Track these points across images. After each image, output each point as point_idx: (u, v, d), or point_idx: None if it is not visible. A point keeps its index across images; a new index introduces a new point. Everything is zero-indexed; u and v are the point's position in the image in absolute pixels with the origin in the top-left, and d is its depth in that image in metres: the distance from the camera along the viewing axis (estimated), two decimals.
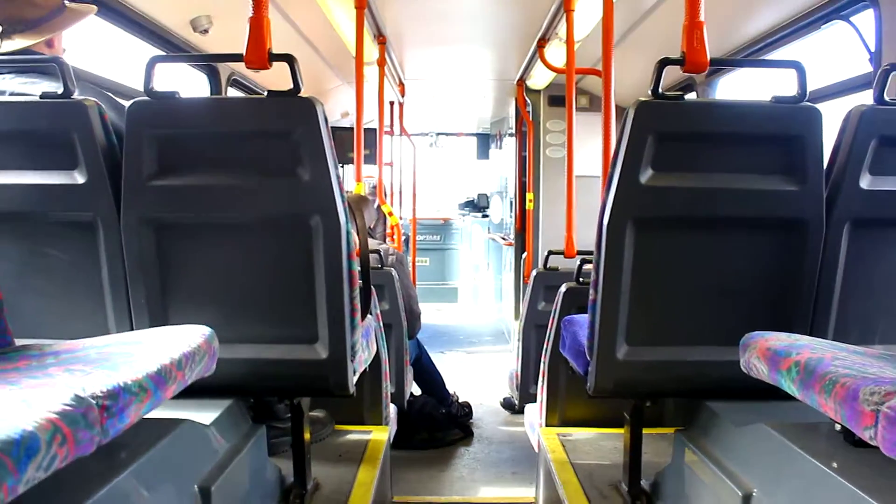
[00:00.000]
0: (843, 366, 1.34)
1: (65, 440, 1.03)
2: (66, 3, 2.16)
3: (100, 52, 3.44)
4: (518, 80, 6.34)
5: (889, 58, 2.62)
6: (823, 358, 1.40)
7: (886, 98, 1.96)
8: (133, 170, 1.94)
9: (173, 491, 1.63)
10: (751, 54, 3.76)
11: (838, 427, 1.49)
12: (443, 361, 6.33)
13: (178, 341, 1.53)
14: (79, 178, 1.94)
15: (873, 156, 1.97)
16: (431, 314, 9.42)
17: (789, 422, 1.71)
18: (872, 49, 2.74)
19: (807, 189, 1.98)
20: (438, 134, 10.62)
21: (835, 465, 1.42)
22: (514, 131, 7.44)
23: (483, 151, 10.29)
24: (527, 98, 6.54)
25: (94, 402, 1.13)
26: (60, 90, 1.90)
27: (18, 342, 1.63)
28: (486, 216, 9.87)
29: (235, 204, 1.98)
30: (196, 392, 1.69)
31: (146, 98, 1.93)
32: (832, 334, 2.08)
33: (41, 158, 1.95)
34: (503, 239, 8.01)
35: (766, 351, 1.58)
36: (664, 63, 1.95)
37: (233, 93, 4.66)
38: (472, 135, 10.44)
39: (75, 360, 1.37)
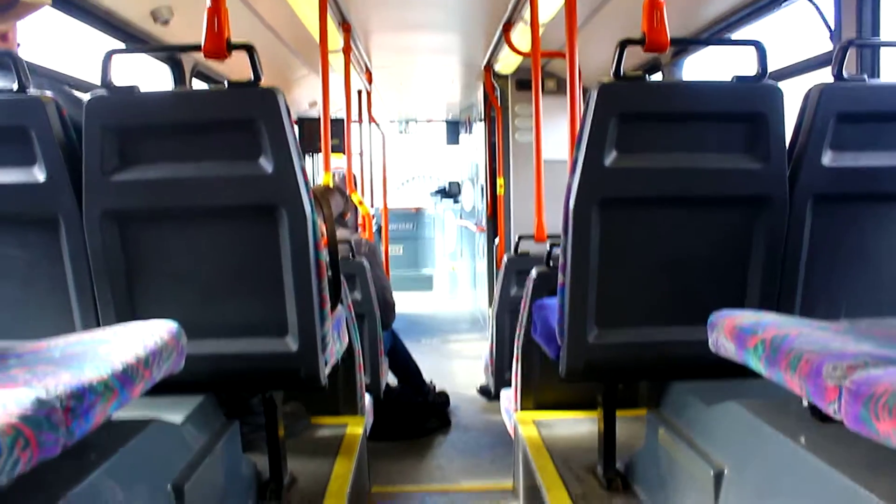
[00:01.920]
0: (807, 342, 1.36)
1: (27, 443, 1.01)
2: None
3: (58, 45, 3.37)
4: (485, 66, 6.33)
5: (848, 34, 2.64)
6: (788, 334, 1.41)
7: (845, 75, 1.98)
8: (93, 165, 1.91)
9: (145, 491, 1.61)
10: (715, 34, 3.78)
11: (805, 403, 1.51)
12: (419, 350, 6.32)
13: (145, 338, 1.51)
14: (38, 174, 1.90)
15: (834, 132, 1.99)
16: (407, 303, 9.42)
17: (759, 399, 1.73)
18: (833, 27, 2.77)
19: (770, 166, 2.00)
20: (408, 121, 10.58)
21: (802, 440, 1.44)
22: (483, 117, 7.43)
23: (453, 137, 10.27)
24: (494, 83, 6.53)
25: (57, 403, 1.11)
26: (15, 86, 1.86)
27: None
28: (458, 203, 9.86)
29: (198, 196, 1.96)
30: (166, 389, 1.67)
31: (104, 92, 1.90)
32: (799, 310, 2.11)
33: None
34: (476, 225, 8.01)
35: (732, 329, 1.59)
36: (625, 44, 1.95)
37: (197, 84, 4.60)
38: (442, 121, 10.41)
39: (38, 361, 1.35)
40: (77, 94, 2.16)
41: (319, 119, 4.10)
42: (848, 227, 2.09)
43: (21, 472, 0.99)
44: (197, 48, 1.95)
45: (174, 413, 1.90)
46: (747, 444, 1.65)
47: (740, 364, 1.58)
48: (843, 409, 1.16)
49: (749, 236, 2.06)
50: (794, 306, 2.11)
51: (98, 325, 2.01)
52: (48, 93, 1.90)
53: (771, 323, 1.53)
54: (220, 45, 1.94)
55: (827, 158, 2.01)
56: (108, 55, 1.91)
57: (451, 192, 10.18)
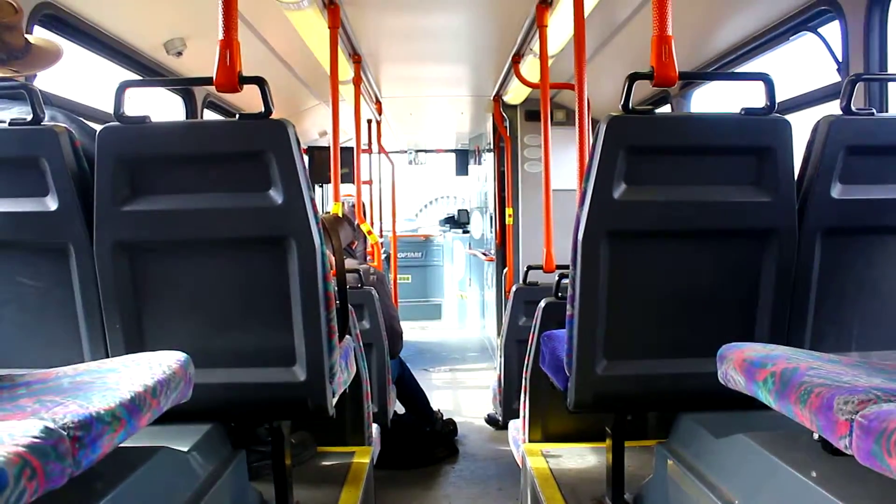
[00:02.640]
0: (817, 375, 1.35)
1: (34, 473, 1.01)
2: (30, 40, 2.12)
3: (72, 76, 3.41)
4: (494, 96, 6.37)
5: (855, 68, 2.65)
6: (798, 368, 1.40)
7: (853, 108, 1.99)
8: (105, 195, 1.92)
9: None
10: (722, 66, 3.80)
11: (816, 436, 1.49)
12: (427, 379, 6.30)
13: (153, 368, 1.51)
14: (50, 204, 1.92)
15: (843, 165, 1.99)
16: (416, 332, 9.40)
17: (769, 432, 1.71)
18: (840, 60, 2.78)
19: (778, 199, 2.00)
20: (417, 151, 10.64)
21: (814, 474, 1.42)
22: (492, 146, 7.46)
23: (462, 167, 10.30)
24: (504, 114, 6.57)
25: (65, 433, 1.11)
26: (30, 116, 1.89)
27: None
28: (467, 232, 9.87)
29: (208, 227, 1.97)
30: (174, 418, 1.67)
31: (116, 123, 1.92)
32: (809, 343, 2.09)
33: (11, 186, 1.93)
34: (484, 255, 8.01)
35: (742, 362, 1.58)
36: (633, 78, 1.96)
37: (209, 114, 4.65)
38: (451, 151, 10.46)
39: (47, 391, 1.35)
40: (90, 124, 2.18)
41: (329, 148, 4.13)
42: (858, 260, 2.08)
43: (27, 502, 0.99)
44: (209, 81, 1.97)
45: (181, 442, 1.89)
46: (757, 477, 1.63)
47: (750, 396, 1.57)
48: (854, 444, 1.15)
49: (758, 269, 2.05)
50: (803, 339, 2.09)
51: (107, 354, 2.01)
52: (62, 123, 1.93)
53: (780, 356, 1.52)
54: (231, 79, 1.96)
55: (836, 191, 2.01)
56: (122, 87, 1.94)
57: (460, 221, 10.19)
